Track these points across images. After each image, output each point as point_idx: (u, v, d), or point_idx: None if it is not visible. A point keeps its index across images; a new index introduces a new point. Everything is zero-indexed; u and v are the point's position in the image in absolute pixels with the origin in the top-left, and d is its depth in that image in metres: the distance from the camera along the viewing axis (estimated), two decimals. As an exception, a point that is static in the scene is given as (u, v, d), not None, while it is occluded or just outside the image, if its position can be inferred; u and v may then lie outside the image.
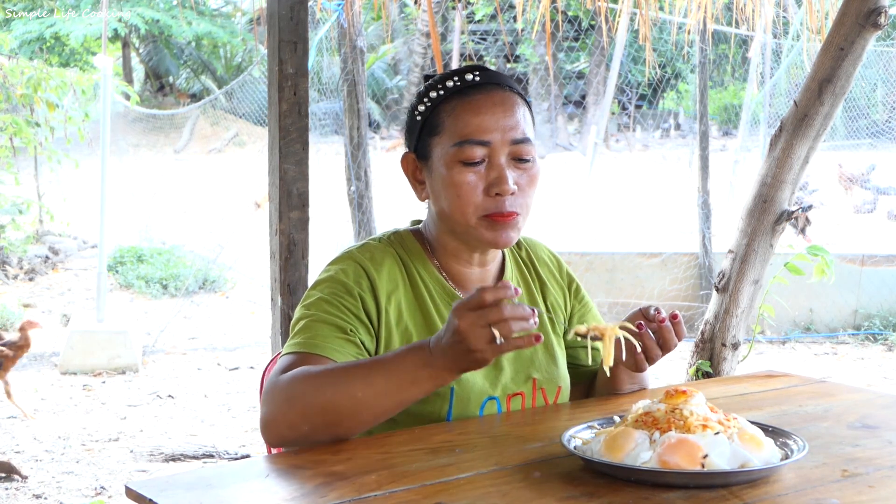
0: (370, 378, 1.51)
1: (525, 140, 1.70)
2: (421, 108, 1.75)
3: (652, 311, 1.66)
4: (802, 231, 9.42)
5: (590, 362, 1.90)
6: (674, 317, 1.67)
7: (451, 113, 1.71)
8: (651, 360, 1.68)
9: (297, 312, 1.71)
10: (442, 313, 1.74)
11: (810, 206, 9.12)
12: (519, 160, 1.70)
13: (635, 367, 1.70)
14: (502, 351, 1.43)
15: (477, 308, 1.42)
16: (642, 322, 1.66)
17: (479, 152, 1.68)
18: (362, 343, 1.67)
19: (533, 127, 1.75)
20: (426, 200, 1.78)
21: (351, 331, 1.66)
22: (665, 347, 1.67)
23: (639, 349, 1.66)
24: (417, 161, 1.77)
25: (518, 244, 1.90)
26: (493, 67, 1.79)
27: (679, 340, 1.68)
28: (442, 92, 1.73)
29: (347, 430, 1.54)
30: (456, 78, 1.73)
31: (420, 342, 1.52)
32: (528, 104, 1.76)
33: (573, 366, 1.88)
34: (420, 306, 1.74)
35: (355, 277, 1.70)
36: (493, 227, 1.69)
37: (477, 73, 1.73)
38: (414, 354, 1.50)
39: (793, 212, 3.13)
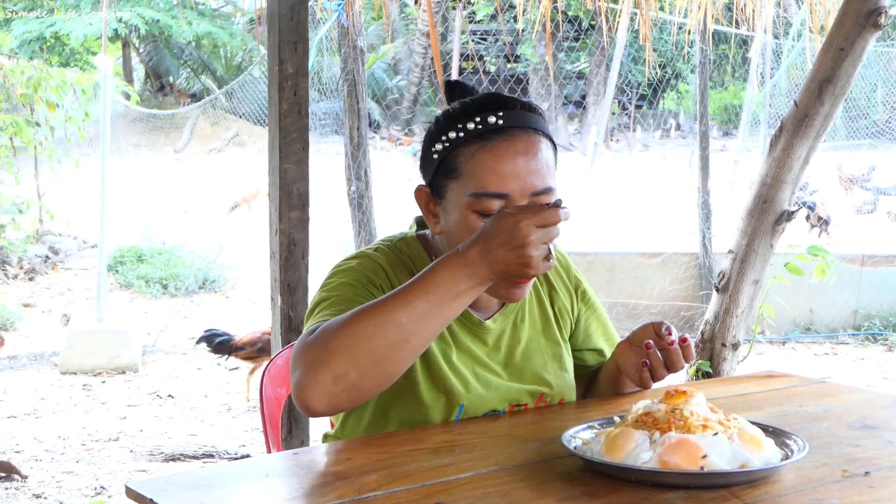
0: (410, 302, 1.45)
1: (546, 190, 1.61)
2: (438, 146, 1.66)
3: (663, 330, 1.66)
4: (820, 225, 9.41)
5: (593, 364, 1.90)
6: (683, 340, 1.67)
7: (470, 159, 1.61)
8: (656, 379, 1.69)
9: (317, 296, 1.65)
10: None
11: (808, 205, 9.11)
12: None
13: (641, 384, 1.72)
14: (547, 269, 1.46)
15: (545, 226, 1.43)
16: (651, 342, 1.66)
17: (496, 204, 1.59)
18: None
19: (555, 167, 1.67)
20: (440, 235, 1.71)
21: None
22: (671, 368, 1.68)
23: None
24: (432, 196, 1.69)
25: None
26: (519, 99, 1.69)
27: (687, 362, 1.68)
28: (462, 134, 1.63)
29: (396, 364, 1.46)
30: (478, 119, 1.63)
31: (450, 256, 1.47)
32: (553, 143, 1.68)
33: (576, 366, 1.88)
34: None
35: (374, 271, 1.68)
36: (506, 284, 1.60)
37: (500, 114, 1.63)
38: (452, 269, 1.46)
39: (793, 212, 3.14)
